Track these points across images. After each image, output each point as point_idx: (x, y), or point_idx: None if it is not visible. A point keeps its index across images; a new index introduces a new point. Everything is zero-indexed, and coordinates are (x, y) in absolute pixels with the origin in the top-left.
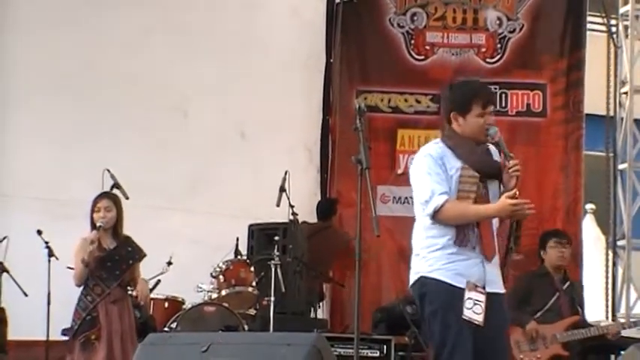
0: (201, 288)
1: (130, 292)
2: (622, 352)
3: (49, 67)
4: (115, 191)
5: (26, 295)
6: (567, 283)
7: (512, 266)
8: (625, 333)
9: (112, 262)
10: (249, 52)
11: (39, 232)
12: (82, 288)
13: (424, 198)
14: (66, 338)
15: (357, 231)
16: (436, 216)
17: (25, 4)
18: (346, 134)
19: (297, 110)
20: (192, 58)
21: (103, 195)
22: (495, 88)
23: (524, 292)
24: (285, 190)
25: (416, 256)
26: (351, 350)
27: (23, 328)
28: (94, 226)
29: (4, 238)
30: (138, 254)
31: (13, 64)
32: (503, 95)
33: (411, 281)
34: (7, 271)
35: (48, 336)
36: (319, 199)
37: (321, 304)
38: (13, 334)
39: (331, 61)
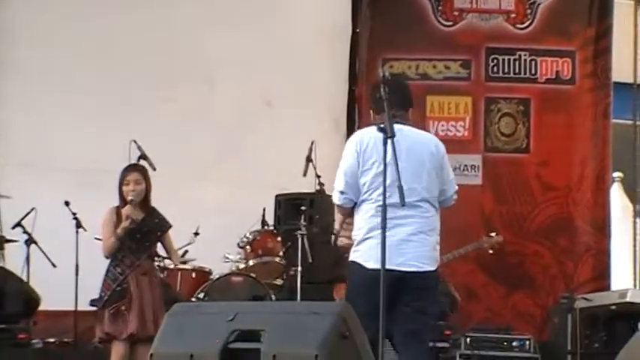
0: (228, 258)
1: (158, 264)
2: None
3: (76, 40)
4: (142, 162)
5: (55, 266)
6: None
7: None
8: None
9: (142, 234)
10: (275, 22)
11: (67, 204)
12: (110, 259)
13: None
14: (94, 309)
15: (382, 199)
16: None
17: None
18: None
19: (324, 80)
20: (219, 29)
21: (132, 168)
22: (525, 55)
23: None
24: (311, 160)
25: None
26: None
27: (52, 299)
28: (123, 198)
29: (32, 209)
30: (165, 225)
31: (44, 42)
32: (533, 62)
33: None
34: (36, 243)
35: (76, 306)
36: None
37: None
38: (42, 305)
39: (357, 30)
